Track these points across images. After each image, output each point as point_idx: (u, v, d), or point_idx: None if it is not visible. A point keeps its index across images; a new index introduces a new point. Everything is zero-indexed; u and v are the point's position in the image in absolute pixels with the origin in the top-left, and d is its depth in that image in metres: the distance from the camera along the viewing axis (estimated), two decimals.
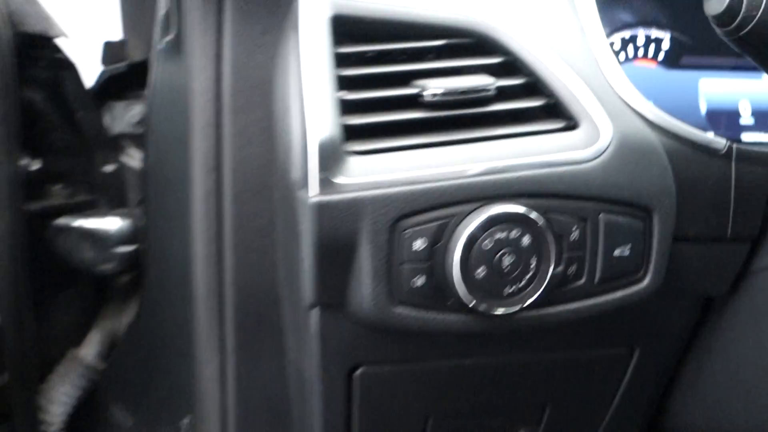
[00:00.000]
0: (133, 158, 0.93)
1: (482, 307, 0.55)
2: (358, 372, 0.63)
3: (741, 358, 0.71)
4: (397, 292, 0.55)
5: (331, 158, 0.53)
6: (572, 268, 0.59)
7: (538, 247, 0.56)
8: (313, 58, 0.57)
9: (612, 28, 0.83)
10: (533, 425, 0.71)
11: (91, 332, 0.96)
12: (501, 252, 0.55)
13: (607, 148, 0.59)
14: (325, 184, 0.52)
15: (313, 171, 0.52)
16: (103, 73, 0.89)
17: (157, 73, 0.79)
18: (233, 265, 0.68)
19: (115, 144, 0.94)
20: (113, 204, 0.94)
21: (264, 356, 0.70)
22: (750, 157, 0.64)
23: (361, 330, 0.60)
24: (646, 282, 0.61)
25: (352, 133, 0.56)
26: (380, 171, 0.54)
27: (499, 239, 0.55)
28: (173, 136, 0.76)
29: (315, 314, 0.60)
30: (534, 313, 0.59)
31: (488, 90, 0.59)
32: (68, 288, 0.94)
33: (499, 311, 0.56)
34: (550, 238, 0.56)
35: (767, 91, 0.71)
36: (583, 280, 0.59)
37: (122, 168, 0.95)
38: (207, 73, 0.65)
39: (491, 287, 0.55)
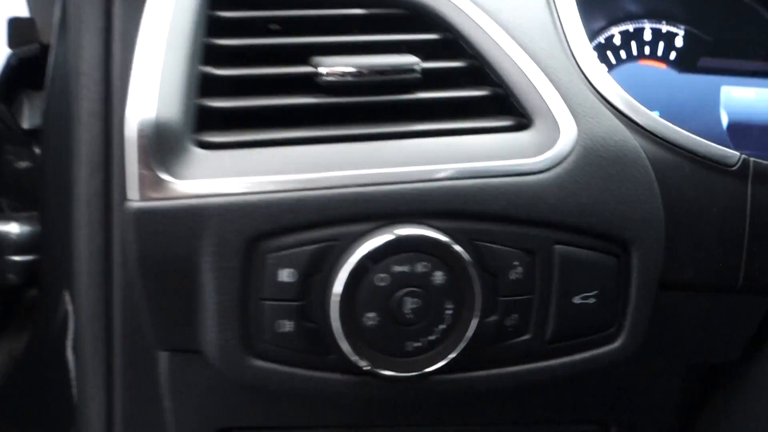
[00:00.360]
0: None
1: (372, 368, 0.40)
2: None
3: None
4: (255, 340, 0.40)
5: (162, 149, 0.38)
6: (512, 319, 0.42)
7: (457, 288, 0.40)
8: (177, 23, 0.43)
9: (610, 19, 0.67)
10: None
11: None
12: (402, 292, 0.39)
13: (568, 155, 0.43)
14: (151, 184, 0.38)
15: (132, 165, 0.38)
16: (11, 57, 0.78)
17: (52, 56, 0.67)
18: (122, 285, 0.54)
19: (29, 138, 0.82)
20: (24, 207, 0.82)
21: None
22: None
23: (228, 384, 0.45)
24: (619, 342, 0.45)
25: (215, 121, 0.42)
26: (238, 171, 0.39)
27: (398, 274, 0.39)
28: (63, 129, 0.63)
29: (164, 360, 0.45)
30: (458, 377, 0.43)
31: (410, 72, 0.44)
32: None
33: (402, 374, 0.40)
34: (476, 276, 0.40)
35: None
36: (528, 336, 0.43)
37: (36, 165, 0.83)
38: (93, 52, 0.52)
39: (386, 341, 0.40)
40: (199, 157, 0.40)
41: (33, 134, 0.84)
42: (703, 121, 0.64)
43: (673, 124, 0.47)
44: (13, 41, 0.77)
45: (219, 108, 0.41)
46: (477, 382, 0.43)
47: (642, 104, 0.47)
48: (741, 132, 0.65)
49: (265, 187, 0.39)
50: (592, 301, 0.43)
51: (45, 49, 0.78)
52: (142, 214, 0.38)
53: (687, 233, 0.46)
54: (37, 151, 0.84)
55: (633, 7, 0.68)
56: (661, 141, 0.45)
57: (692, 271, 0.46)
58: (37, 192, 0.80)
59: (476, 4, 0.47)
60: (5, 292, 0.84)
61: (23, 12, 0.79)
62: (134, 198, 0.38)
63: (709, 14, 0.67)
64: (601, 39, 0.65)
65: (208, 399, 0.46)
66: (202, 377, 0.46)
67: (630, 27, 0.67)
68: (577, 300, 0.43)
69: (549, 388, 0.49)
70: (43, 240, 0.75)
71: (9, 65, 0.78)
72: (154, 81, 0.40)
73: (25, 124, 0.83)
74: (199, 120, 0.41)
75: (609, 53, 0.65)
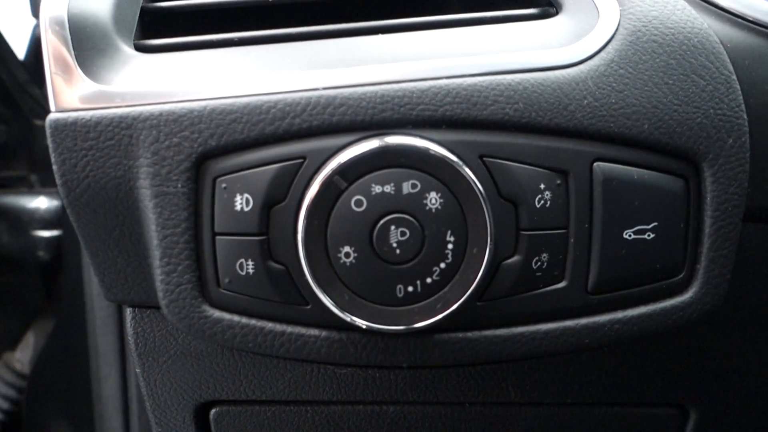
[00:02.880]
0: None
1: (355, 319, 0.31)
2: (213, 413, 0.41)
3: None
4: (210, 284, 0.33)
5: (82, 48, 0.32)
6: (541, 260, 0.32)
7: (457, 216, 0.31)
8: None
9: None
10: None
11: (28, 333, 0.82)
12: (385, 221, 0.31)
13: (608, 43, 0.32)
14: (69, 90, 0.31)
15: (48, 67, 0.32)
16: (35, 27, 0.76)
17: None
18: None
19: None
20: (54, 183, 0.80)
21: None
22: None
23: (206, 347, 0.38)
24: (690, 293, 0.34)
25: (164, 26, 0.35)
26: (181, 75, 0.32)
27: (379, 196, 0.30)
28: None
29: (128, 317, 0.39)
30: (471, 336, 0.33)
31: None
32: (5, 280, 0.81)
33: (388, 327, 0.31)
34: (484, 201, 0.30)
35: None
36: (564, 284, 0.33)
37: None
38: None
39: (369, 284, 0.31)
40: (134, 59, 0.33)
41: None
42: None
43: None
44: (37, 11, 0.76)
45: (165, 8, 0.35)
46: (497, 345, 0.34)
47: None
48: None
49: (213, 92, 0.31)
50: (649, 236, 0.33)
51: None
52: (59, 127, 0.31)
53: None
54: None
55: None
56: (741, 20, 0.34)
57: None
58: None
59: None
60: (38, 272, 0.83)
61: None
62: (51, 109, 0.32)
63: None
64: None
65: (182, 366, 0.39)
66: (172, 339, 0.39)
67: None
68: (628, 235, 0.33)
69: (601, 358, 0.38)
70: (64, 214, 0.72)
71: (35, 37, 0.77)
72: None
73: None
74: (144, 25, 0.35)
75: None
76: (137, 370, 0.40)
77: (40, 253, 0.74)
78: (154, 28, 0.35)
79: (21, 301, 0.82)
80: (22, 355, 0.80)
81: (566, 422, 0.42)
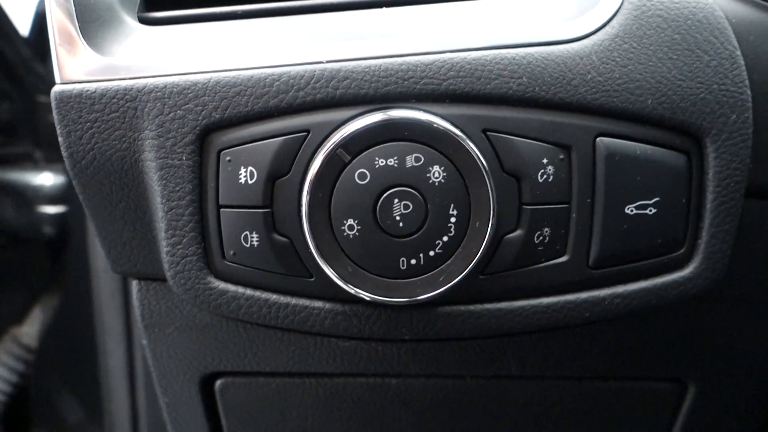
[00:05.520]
0: None
1: (358, 291, 0.31)
2: (219, 384, 0.42)
3: None
4: (216, 256, 0.33)
5: (86, 20, 0.32)
6: (543, 234, 0.33)
7: (460, 190, 0.31)
8: None
9: None
10: None
11: (35, 308, 0.83)
12: (389, 194, 0.31)
13: (613, 17, 0.32)
14: (73, 61, 0.31)
15: (53, 40, 0.32)
16: (39, 3, 0.76)
17: None
18: None
19: None
20: (58, 159, 0.81)
21: None
22: None
23: (211, 319, 0.39)
24: (691, 268, 0.34)
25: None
26: (183, 48, 0.32)
27: (383, 169, 0.30)
28: None
29: (134, 290, 0.39)
30: (474, 309, 0.34)
31: None
32: (10, 256, 0.82)
33: (391, 299, 0.32)
34: (487, 175, 0.31)
35: None
36: (566, 257, 0.33)
37: None
38: None
39: (372, 256, 0.31)
40: (138, 32, 0.33)
41: None
42: None
43: None
44: None
45: None
46: (498, 318, 0.34)
47: None
48: None
49: (217, 65, 0.31)
50: (651, 211, 0.33)
51: None
52: (64, 99, 0.32)
53: None
54: None
55: None
56: None
57: None
58: None
59: None
60: (45, 247, 0.83)
61: None
62: (57, 81, 0.32)
63: None
64: None
65: (188, 338, 0.40)
66: (177, 312, 0.39)
67: None
68: (630, 210, 0.33)
69: (601, 332, 0.39)
70: (69, 190, 0.73)
71: (38, 14, 0.77)
72: None
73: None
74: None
75: None
76: (143, 342, 0.41)
77: (46, 229, 0.74)
78: (158, 1, 0.35)
79: (27, 276, 0.83)
80: (30, 329, 0.81)
81: (566, 395, 0.43)
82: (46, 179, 0.75)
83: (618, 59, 0.32)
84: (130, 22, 0.33)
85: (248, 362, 0.40)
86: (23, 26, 0.77)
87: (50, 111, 0.87)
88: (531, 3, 0.34)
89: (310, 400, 0.42)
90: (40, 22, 0.77)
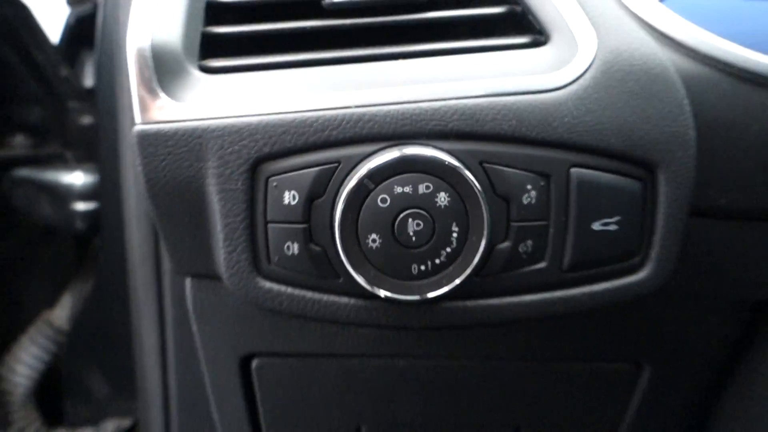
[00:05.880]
0: None
1: (378, 290, 0.39)
2: (255, 363, 0.50)
3: None
4: (263, 262, 0.41)
5: (161, 72, 0.39)
6: (526, 245, 0.41)
7: (463, 211, 0.39)
8: None
9: None
10: None
11: (65, 294, 0.90)
12: (404, 214, 0.39)
13: (586, 71, 0.40)
14: (152, 107, 0.39)
15: (134, 88, 0.39)
16: (69, 16, 0.82)
17: (100, 16, 0.70)
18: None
19: (90, 95, 0.87)
20: (88, 159, 0.87)
21: None
22: None
23: (251, 310, 0.47)
24: (644, 273, 0.42)
25: (221, 49, 0.42)
26: (239, 93, 0.40)
27: (400, 195, 0.38)
28: (109, 90, 0.67)
29: (188, 286, 0.47)
30: (469, 304, 0.42)
31: None
32: (43, 247, 0.89)
33: (405, 297, 0.40)
34: (483, 199, 0.38)
35: None
36: (544, 264, 0.41)
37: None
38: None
39: (390, 263, 0.39)
40: (201, 80, 0.40)
41: (94, 91, 0.89)
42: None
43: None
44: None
45: (222, 34, 0.42)
46: (490, 311, 0.42)
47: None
48: None
49: (267, 108, 0.39)
50: (613, 227, 0.41)
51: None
52: (145, 137, 0.39)
53: (722, 154, 0.42)
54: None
55: None
56: (694, 53, 0.42)
57: (728, 196, 0.42)
58: (95, 144, 0.84)
59: None
60: (74, 240, 0.90)
61: None
62: (138, 122, 0.39)
63: None
64: None
65: (231, 325, 0.48)
66: (223, 304, 0.47)
67: None
68: (596, 226, 0.41)
69: (573, 322, 0.47)
70: (102, 189, 0.80)
71: (68, 25, 0.83)
72: (154, 7, 0.41)
73: (87, 82, 0.88)
74: (205, 47, 0.42)
75: None
76: (193, 329, 0.49)
77: (78, 224, 0.81)
78: (213, 50, 0.42)
79: (58, 265, 0.90)
80: (61, 313, 0.88)
81: (543, 374, 0.51)
82: (77, 178, 0.82)
83: (589, 105, 0.40)
84: (195, 72, 0.40)
85: (280, 345, 0.48)
86: (54, 34, 0.83)
87: (79, 115, 0.93)
88: (519, 56, 0.41)
89: (332, 377, 0.50)
90: (71, 32, 0.83)
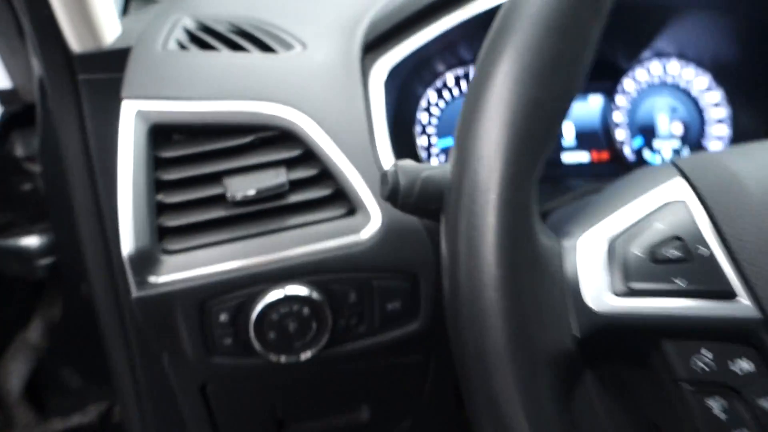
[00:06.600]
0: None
1: (276, 358, 0.75)
2: (208, 388, 0.84)
3: None
4: (212, 348, 0.74)
5: (143, 263, 0.70)
6: (353, 320, 0.77)
7: (316, 316, 0.74)
8: (132, 165, 0.72)
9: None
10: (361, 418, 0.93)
11: (34, 318, 1.17)
12: (287, 321, 0.73)
13: (377, 232, 0.75)
14: (141, 283, 0.70)
15: (130, 275, 0.70)
16: (3, 114, 1.03)
17: (39, 115, 0.94)
18: (119, 271, 0.86)
19: (24, 165, 1.09)
20: (35, 219, 1.12)
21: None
22: None
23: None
24: (417, 324, 0.80)
25: (169, 232, 0.72)
26: (189, 267, 0.71)
27: (284, 313, 0.73)
28: (60, 173, 0.91)
29: (165, 357, 0.80)
30: (330, 351, 0.78)
31: (284, 186, 0.74)
32: (10, 286, 1.14)
33: (290, 360, 0.75)
34: (327, 308, 0.73)
35: None
36: (364, 327, 0.78)
37: (37, 186, 1.11)
38: (75, 143, 0.80)
39: (281, 345, 0.74)
40: (166, 261, 0.71)
41: (28, 159, 1.12)
42: None
43: None
44: (3, 103, 1.02)
45: (171, 226, 0.72)
46: (341, 352, 0.79)
47: None
48: None
49: (205, 274, 0.71)
50: (398, 306, 0.78)
51: (27, 106, 1.03)
52: (139, 301, 0.70)
53: None
54: (36, 170, 1.12)
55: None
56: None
57: None
58: (44, 206, 1.09)
59: (323, 128, 0.76)
60: (40, 284, 1.16)
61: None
62: (134, 293, 0.70)
63: None
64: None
65: (193, 371, 0.81)
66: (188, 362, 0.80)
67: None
68: (389, 306, 0.78)
69: (385, 349, 0.85)
70: (58, 243, 1.05)
71: (3, 119, 1.04)
72: (129, 218, 0.70)
73: (19, 152, 1.10)
74: (161, 232, 0.72)
75: None
76: (171, 374, 0.82)
77: (40, 273, 1.07)
78: (169, 231, 0.72)
79: (27, 296, 1.16)
80: (35, 334, 1.16)
81: (365, 372, 0.90)
82: (34, 241, 1.06)
83: (381, 250, 0.74)
84: (160, 256, 0.70)
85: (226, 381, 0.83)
86: None
87: (20, 185, 1.18)
88: (339, 224, 0.75)
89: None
90: (6, 117, 1.03)
